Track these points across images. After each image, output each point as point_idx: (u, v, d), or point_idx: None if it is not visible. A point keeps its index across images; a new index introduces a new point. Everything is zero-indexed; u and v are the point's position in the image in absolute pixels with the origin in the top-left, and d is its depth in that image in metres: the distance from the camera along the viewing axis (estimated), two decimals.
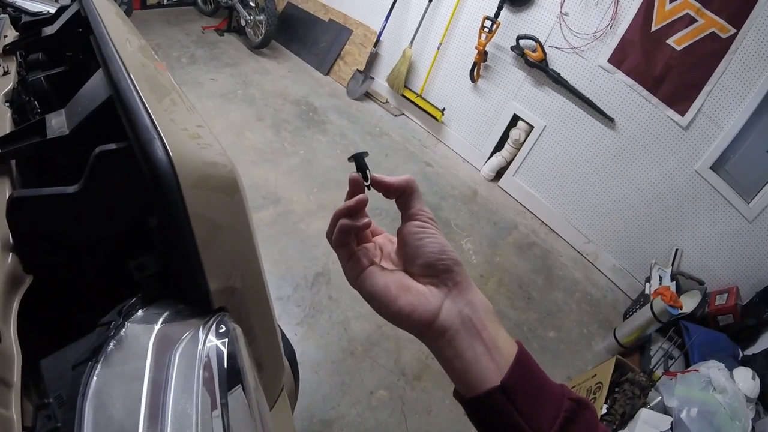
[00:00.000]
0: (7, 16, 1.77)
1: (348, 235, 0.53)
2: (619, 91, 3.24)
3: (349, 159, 0.54)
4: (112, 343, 0.62)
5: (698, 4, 2.75)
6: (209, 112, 4.08)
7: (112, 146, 0.81)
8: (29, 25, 1.70)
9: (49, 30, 1.58)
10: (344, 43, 5.17)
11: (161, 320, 0.67)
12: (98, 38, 1.14)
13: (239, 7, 5.21)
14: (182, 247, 0.72)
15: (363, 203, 0.52)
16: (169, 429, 0.53)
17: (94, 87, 1.04)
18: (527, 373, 0.45)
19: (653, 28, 2.97)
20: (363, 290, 0.51)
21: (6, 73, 1.35)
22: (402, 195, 0.52)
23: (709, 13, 2.72)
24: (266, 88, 4.75)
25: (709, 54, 2.79)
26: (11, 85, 1.28)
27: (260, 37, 5.20)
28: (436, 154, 4.47)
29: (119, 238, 0.91)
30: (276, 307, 2.43)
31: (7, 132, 1.03)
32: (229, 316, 0.74)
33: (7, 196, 0.83)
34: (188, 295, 0.75)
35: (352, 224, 0.51)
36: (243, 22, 5.33)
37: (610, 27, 3.15)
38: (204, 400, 0.58)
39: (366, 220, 0.52)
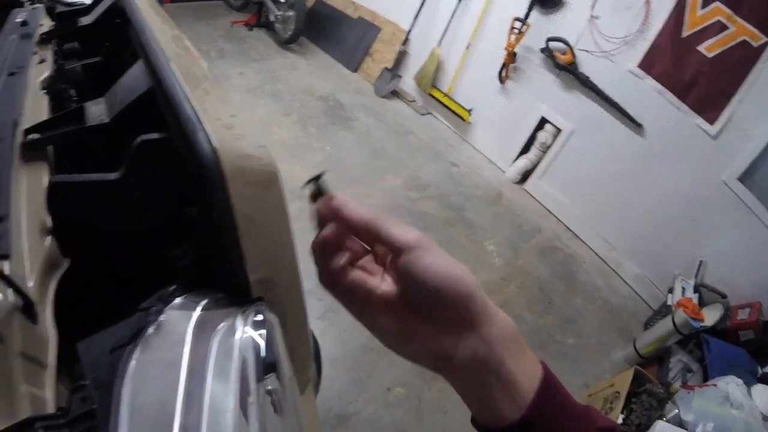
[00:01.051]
0: (42, 5, 1.81)
1: (333, 276, 0.48)
2: (648, 97, 3.24)
3: (305, 185, 0.49)
4: (151, 328, 0.63)
5: (729, 11, 2.75)
6: (237, 107, 4.15)
7: (155, 136, 0.85)
8: (64, 15, 1.74)
9: (85, 20, 1.61)
10: (372, 41, 5.23)
11: (200, 307, 0.68)
12: (138, 30, 1.18)
13: (268, 2, 5.29)
14: (224, 238, 0.73)
15: (336, 237, 0.47)
16: (205, 415, 0.54)
17: (135, 77, 1.08)
18: (549, 408, 0.43)
19: (684, 34, 2.97)
20: (370, 330, 0.48)
21: (42, 61, 1.39)
22: (369, 232, 0.46)
23: (740, 21, 2.72)
24: (294, 83, 4.82)
25: (739, 62, 2.79)
26: (48, 72, 1.31)
27: (289, 33, 5.27)
28: (461, 154, 4.50)
29: (154, 228, 0.94)
30: None
31: (45, 119, 1.06)
32: (267, 306, 0.75)
33: (47, 182, 0.87)
34: (226, 285, 0.76)
35: (330, 267, 0.47)
36: (272, 18, 5.40)
37: (641, 31, 3.16)
38: (240, 387, 0.59)
39: (344, 258, 0.47)
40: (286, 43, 5.40)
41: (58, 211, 0.82)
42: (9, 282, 0.61)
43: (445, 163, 4.29)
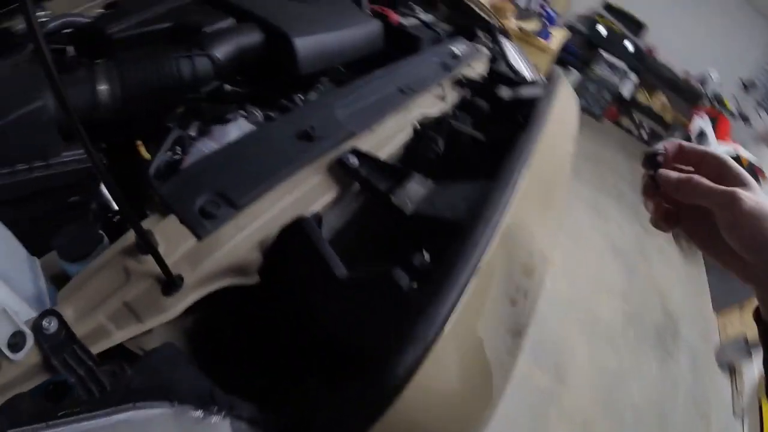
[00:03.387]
0: (487, 54, 1.99)
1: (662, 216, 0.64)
2: None
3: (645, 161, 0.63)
4: None
5: None
6: (586, 255, 4.21)
7: (407, 283, 0.77)
8: (495, 75, 1.83)
9: (503, 93, 1.58)
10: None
11: None
12: (516, 155, 1.11)
13: None
14: None
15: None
16: None
17: (464, 197, 0.99)
18: None
19: None
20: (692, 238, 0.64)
21: (442, 98, 1.45)
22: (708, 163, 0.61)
23: None
24: (654, 274, 4.65)
25: None
26: (434, 113, 1.36)
27: None
28: None
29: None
30: None
31: (385, 149, 1.13)
32: None
33: (307, 212, 0.90)
34: None
35: (660, 210, 0.64)
36: None
37: None
38: None
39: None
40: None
41: (281, 246, 0.85)
42: (155, 255, 0.65)
43: None
